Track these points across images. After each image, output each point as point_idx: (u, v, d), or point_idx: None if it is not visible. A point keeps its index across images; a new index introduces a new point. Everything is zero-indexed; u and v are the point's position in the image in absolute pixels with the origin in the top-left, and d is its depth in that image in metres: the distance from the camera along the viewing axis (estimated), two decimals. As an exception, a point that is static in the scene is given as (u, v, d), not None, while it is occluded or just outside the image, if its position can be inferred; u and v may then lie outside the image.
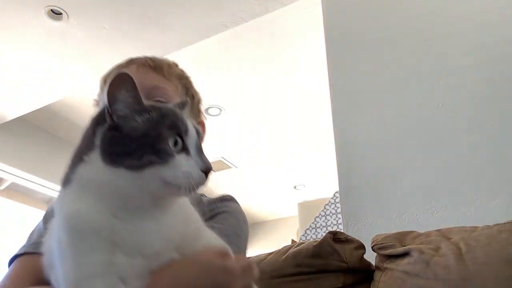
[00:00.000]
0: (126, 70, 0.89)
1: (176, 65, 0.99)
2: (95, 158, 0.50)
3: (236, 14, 2.60)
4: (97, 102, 0.97)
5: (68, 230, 0.49)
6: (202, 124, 0.99)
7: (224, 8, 2.57)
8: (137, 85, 0.85)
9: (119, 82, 0.51)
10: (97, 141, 0.50)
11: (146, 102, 0.54)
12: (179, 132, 0.51)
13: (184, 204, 0.57)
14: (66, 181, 0.52)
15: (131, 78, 0.51)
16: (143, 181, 0.49)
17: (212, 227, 0.67)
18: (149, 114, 0.51)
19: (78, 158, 0.52)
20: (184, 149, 0.51)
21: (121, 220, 0.49)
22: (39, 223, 0.87)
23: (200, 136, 0.54)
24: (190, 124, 0.53)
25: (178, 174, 0.49)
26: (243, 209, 0.89)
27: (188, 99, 0.65)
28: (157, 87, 0.88)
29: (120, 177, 0.49)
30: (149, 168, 0.48)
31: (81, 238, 0.48)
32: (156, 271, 0.51)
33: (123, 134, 0.50)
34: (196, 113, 0.99)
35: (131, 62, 0.94)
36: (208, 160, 0.52)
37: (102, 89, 0.94)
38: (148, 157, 0.48)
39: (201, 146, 0.53)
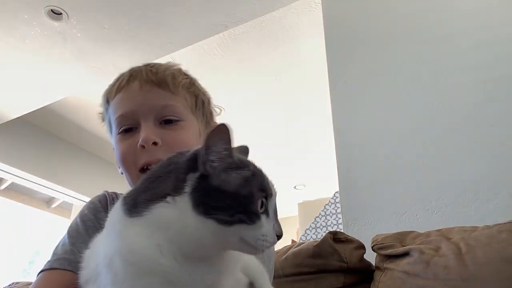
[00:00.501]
0: (128, 88, 0.86)
1: (180, 72, 0.93)
2: (182, 203, 0.50)
3: (236, 14, 2.60)
4: (103, 117, 0.94)
5: (128, 263, 0.50)
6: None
7: (224, 8, 2.57)
8: (144, 105, 0.84)
9: (218, 133, 0.52)
10: (187, 188, 0.51)
11: (236, 156, 0.54)
12: (266, 194, 0.53)
13: None
14: (134, 212, 0.52)
15: (230, 131, 0.52)
16: (225, 235, 0.50)
17: None
18: (241, 170, 0.52)
19: (159, 196, 0.52)
20: (266, 211, 0.52)
21: (180, 262, 0.50)
22: (64, 237, 0.85)
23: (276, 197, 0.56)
24: (273, 185, 0.55)
25: (258, 236, 0.50)
26: None
27: (246, 146, 0.64)
28: (166, 106, 0.85)
29: (207, 228, 0.50)
30: (237, 225, 0.50)
31: (140, 275, 0.50)
32: None
33: (215, 186, 0.51)
34: (208, 116, 0.95)
35: (132, 77, 0.88)
36: (280, 226, 0.54)
37: (105, 106, 0.91)
38: (239, 216, 0.50)
39: (276, 209, 0.55)
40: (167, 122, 0.84)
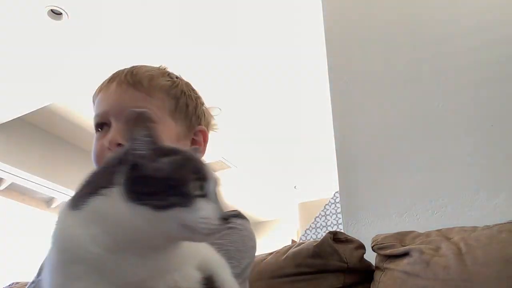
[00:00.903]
0: (106, 89, 0.89)
1: (163, 74, 0.92)
2: (115, 194, 0.51)
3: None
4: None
5: (60, 250, 0.51)
6: (203, 132, 0.94)
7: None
8: (116, 106, 0.85)
9: (137, 122, 0.52)
10: (119, 179, 0.51)
11: (169, 144, 0.55)
12: (201, 177, 0.52)
13: None
14: (73, 206, 0.53)
15: (147, 116, 0.52)
16: (162, 222, 0.50)
17: (212, 243, 0.66)
18: (171, 156, 0.52)
19: (94, 190, 0.52)
20: (204, 195, 0.52)
21: (114, 253, 0.50)
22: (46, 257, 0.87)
23: (218, 182, 0.55)
24: (210, 169, 0.54)
25: (197, 219, 0.49)
26: (249, 224, 0.85)
27: (198, 148, 0.63)
28: (137, 107, 0.85)
29: (140, 215, 0.49)
30: (172, 209, 0.49)
31: (70, 262, 0.50)
32: None
33: (146, 174, 0.51)
34: (194, 120, 0.93)
35: (112, 78, 0.90)
36: (225, 208, 0.53)
37: (93, 106, 0.94)
38: (172, 199, 0.49)
39: (219, 193, 0.54)
40: None
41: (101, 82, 0.92)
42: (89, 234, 0.50)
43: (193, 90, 0.97)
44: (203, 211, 0.50)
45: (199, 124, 0.95)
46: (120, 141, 0.81)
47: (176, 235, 0.51)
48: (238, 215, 0.85)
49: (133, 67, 0.92)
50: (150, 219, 0.49)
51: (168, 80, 0.92)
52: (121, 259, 0.50)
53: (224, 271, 0.60)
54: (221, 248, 0.71)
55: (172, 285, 0.52)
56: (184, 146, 0.88)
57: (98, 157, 0.85)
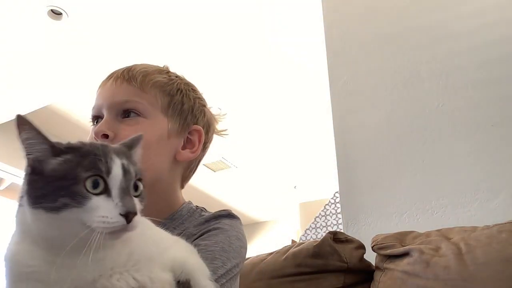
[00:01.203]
0: (104, 84, 0.91)
1: (160, 71, 0.93)
2: (24, 201, 0.51)
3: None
4: None
5: (7, 271, 0.52)
6: (198, 132, 0.93)
7: None
8: (109, 99, 0.87)
9: (17, 125, 0.52)
10: (24, 185, 0.52)
11: (68, 142, 0.53)
12: (99, 172, 0.50)
13: (143, 228, 0.54)
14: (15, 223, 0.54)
15: (26, 120, 0.51)
16: (61, 223, 0.48)
17: (197, 245, 0.66)
18: (66, 155, 0.51)
19: (19, 202, 0.53)
20: (106, 191, 0.50)
21: (52, 262, 0.49)
22: None
23: (130, 176, 0.52)
24: (115, 163, 0.51)
25: (93, 219, 0.48)
26: (239, 223, 0.84)
27: (140, 135, 0.61)
28: (128, 100, 0.86)
29: (40, 219, 0.49)
30: (66, 210, 0.48)
31: (17, 281, 0.51)
32: None
33: (39, 176, 0.50)
34: (189, 119, 0.92)
35: (111, 75, 0.91)
36: (132, 204, 0.50)
37: None
38: (63, 200, 0.48)
39: (128, 187, 0.51)
40: (127, 116, 0.86)
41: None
42: (25, 249, 0.50)
43: (194, 90, 0.97)
44: (99, 209, 0.48)
45: (195, 123, 0.94)
46: (106, 132, 0.82)
47: (83, 235, 0.49)
48: (227, 214, 0.84)
49: (133, 64, 0.93)
50: (48, 222, 0.48)
51: (165, 77, 0.92)
52: (61, 265, 0.49)
53: (201, 275, 0.58)
54: (206, 249, 0.70)
55: (135, 285, 0.51)
56: (175, 143, 0.89)
57: None
